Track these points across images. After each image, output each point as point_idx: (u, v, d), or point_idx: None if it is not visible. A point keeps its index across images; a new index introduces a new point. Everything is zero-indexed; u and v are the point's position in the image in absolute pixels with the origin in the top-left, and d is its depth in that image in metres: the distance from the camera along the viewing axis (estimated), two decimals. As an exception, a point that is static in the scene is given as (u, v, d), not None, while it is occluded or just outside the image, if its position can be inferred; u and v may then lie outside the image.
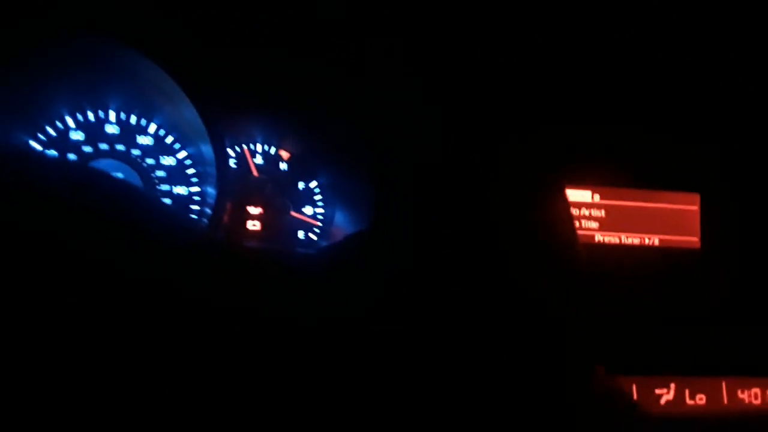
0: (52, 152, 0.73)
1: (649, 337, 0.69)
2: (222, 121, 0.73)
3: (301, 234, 0.81)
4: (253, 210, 0.80)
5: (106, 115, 0.75)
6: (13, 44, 0.66)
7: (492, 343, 0.53)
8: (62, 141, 0.73)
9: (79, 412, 0.29)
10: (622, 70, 0.71)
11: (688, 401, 0.68)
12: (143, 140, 0.76)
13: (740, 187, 0.75)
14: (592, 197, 0.74)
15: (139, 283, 0.34)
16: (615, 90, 0.72)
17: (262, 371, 0.36)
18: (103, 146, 0.75)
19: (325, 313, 0.44)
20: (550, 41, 0.68)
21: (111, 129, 0.75)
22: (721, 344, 0.70)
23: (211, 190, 0.74)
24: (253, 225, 0.79)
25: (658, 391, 0.68)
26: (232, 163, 0.79)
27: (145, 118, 0.77)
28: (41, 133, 0.72)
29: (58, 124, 0.73)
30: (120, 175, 0.74)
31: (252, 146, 0.81)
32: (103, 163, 0.74)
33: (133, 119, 0.76)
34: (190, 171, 0.77)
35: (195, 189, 0.77)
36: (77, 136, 0.74)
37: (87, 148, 0.74)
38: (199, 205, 0.78)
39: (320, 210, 0.82)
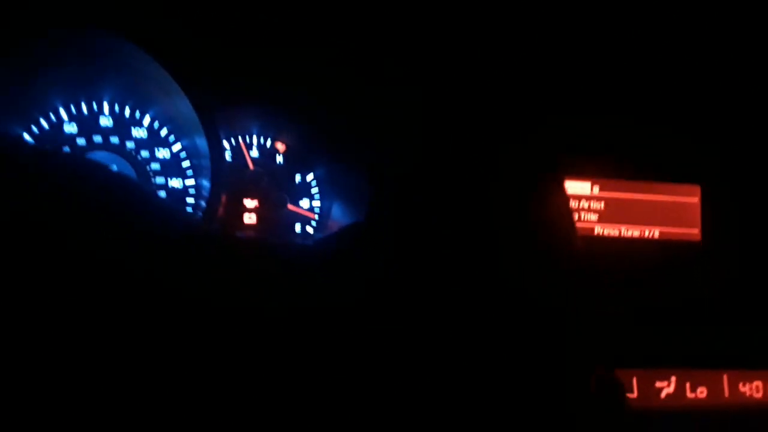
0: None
1: (649, 330, 0.69)
2: (217, 114, 0.73)
3: (297, 227, 0.81)
4: (250, 203, 0.79)
5: (100, 107, 0.74)
6: (7, 37, 0.65)
7: (488, 337, 0.53)
8: (56, 133, 0.73)
9: (70, 402, 0.28)
10: (622, 61, 0.70)
11: (689, 394, 0.68)
12: (138, 133, 0.75)
13: (741, 179, 0.74)
14: (592, 189, 0.74)
15: (133, 274, 0.33)
16: (615, 81, 0.72)
17: (256, 362, 0.36)
18: (97, 139, 0.74)
19: (320, 304, 0.43)
20: (549, 33, 0.68)
21: (105, 121, 0.74)
22: (722, 337, 0.69)
23: (206, 183, 0.73)
24: (249, 218, 0.79)
25: (658, 384, 0.67)
26: (228, 155, 0.79)
27: (140, 111, 0.76)
28: (35, 126, 0.72)
29: (52, 116, 0.72)
30: (114, 167, 0.73)
31: (248, 139, 0.80)
32: (97, 156, 0.74)
33: (127, 111, 0.75)
34: (186, 164, 0.77)
35: (190, 182, 0.77)
36: (71, 128, 0.73)
37: (81, 141, 0.73)
38: (194, 198, 0.77)
39: (317, 203, 0.82)
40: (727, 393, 0.68)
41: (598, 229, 0.74)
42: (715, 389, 0.68)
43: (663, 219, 0.75)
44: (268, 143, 0.81)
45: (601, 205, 0.74)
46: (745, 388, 0.68)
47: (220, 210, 0.73)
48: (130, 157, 0.75)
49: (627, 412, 0.52)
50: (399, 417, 0.42)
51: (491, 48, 0.66)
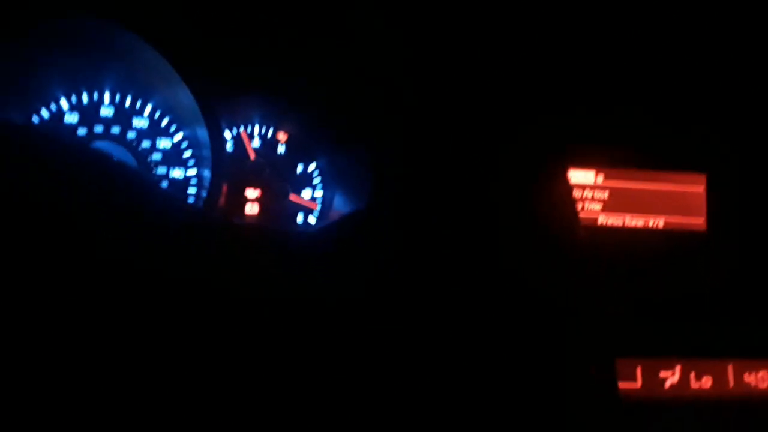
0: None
1: (654, 320, 0.68)
2: (218, 104, 0.72)
3: (300, 217, 0.80)
4: (251, 193, 0.79)
5: (101, 97, 0.74)
6: (7, 27, 0.65)
7: (489, 324, 0.52)
8: (57, 123, 0.72)
9: (71, 387, 0.28)
10: (626, 49, 0.70)
11: (694, 384, 0.67)
12: (139, 122, 0.75)
13: (747, 168, 0.74)
14: (596, 178, 0.73)
15: (134, 261, 0.33)
16: (619, 70, 0.71)
17: (259, 349, 0.35)
18: (98, 129, 0.74)
19: (322, 290, 0.43)
20: (552, 22, 0.67)
21: (106, 111, 0.74)
22: (727, 327, 0.68)
23: (208, 174, 0.73)
24: (251, 208, 0.78)
25: (663, 374, 0.67)
26: (229, 146, 0.78)
27: (141, 100, 0.75)
28: (36, 116, 0.71)
29: (53, 106, 0.72)
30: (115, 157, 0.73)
31: (249, 129, 0.80)
32: (98, 146, 0.73)
33: (128, 101, 0.75)
34: (187, 154, 0.76)
35: (192, 172, 0.76)
36: (72, 118, 0.73)
37: (82, 131, 0.73)
38: (196, 189, 0.77)
39: (319, 193, 0.81)
40: (732, 383, 0.67)
41: (603, 219, 0.73)
42: (720, 379, 0.67)
43: (668, 208, 0.74)
44: (270, 133, 0.81)
45: (605, 195, 0.73)
46: (750, 378, 0.68)
47: (222, 200, 0.73)
48: (131, 147, 0.75)
49: (621, 402, 0.52)
50: (401, 402, 0.42)
51: (495, 37, 0.65)
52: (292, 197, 0.80)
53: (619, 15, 0.68)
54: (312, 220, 0.81)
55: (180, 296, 0.34)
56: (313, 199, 0.81)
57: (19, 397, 0.27)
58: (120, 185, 0.41)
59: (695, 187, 0.75)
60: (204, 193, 0.73)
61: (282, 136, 0.81)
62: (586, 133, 0.73)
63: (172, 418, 0.31)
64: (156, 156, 0.75)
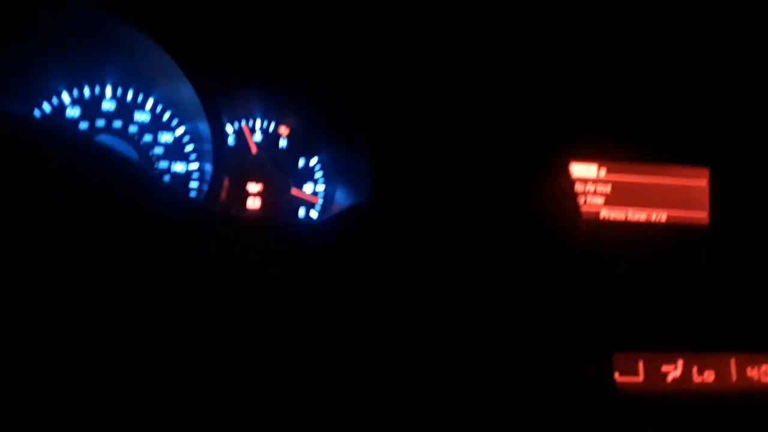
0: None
1: (656, 314, 0.68)
2: (219, 98, 0.72)
3: (301, 212, 0.80)
4: (253, 187, 0.79)
5: (103, 90, 0.74)
6: (10, 19, 0.65)
7: (490, 318, 0.52)
8: (59, 117, 0.72)
9: (72, 380, 0.28)
10: (629, 42, 0.69)
11: (696, 378, 0.67)
12: (140, 116, 0.75)
13: (750, 162, 0.73)
14: (598, 172, 0.73)
15: (136, 253, 0.33)
16: (622, 63, 0.71)
17: (261, 341, 0.35)
18: (100, 123, 0.74)
19: (324, 282, 0.43)
20: (555, 16, 0.67)
21: (108, 105, 0.74)
22: (730, 321, 0.68)
23: (209, 168, 0.73)
24: (252, 202, 0.78)
25: (665, 368, 0.67)
26: (231, 140, 0.78)
27: (143, 94, 0.75)
28: (38, 110, 0.71)
29: (55, 99, 0.72)
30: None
31: (251, 123, 0.80)
32: (100, 140, 0.73)
33: (130, 95, 0.75)
34: (189, 148, 0.76)
35: (194, 166, 0.76)
36: (74, 112, 0.73)
37: (84, 125, 0.73)
38: (198, 183, 0.77)
39: (321, 187, 0.81)
40: (734, 377, 0.67)
41: (605, 213, 0.73)
42: (722, 373, 0.67)
43: (671, 202, 0.74)
44: (272, 127, 0.80)
45: (607, 188, 0.73)
46: (753, 372, 0.67)
47: (223, 194, 0.73)
48: (133, 141, 0.74)
49: (618, 397, 0.52)
50: (403, 394, 0.42)
51: (497, 31, 0.65)
52: (294, 191, 0.80)
53: (622, 9, 0.67)
54: (314, 214, 0.81)
55: (183, 290, 0.34)
56: (314, 193, 0.81)
57: (20, 390, 0.27)
58: (122, 179, 0.41)
59: (698, 181, 0.74)
60: (206, 188, 0.73)
61: (284, 130, 0.81)
62: (589, 127, 0.73)
63: (180, 406, 0.31)
64: (158, 150, 0.75)
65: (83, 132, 0.73)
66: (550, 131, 0.63)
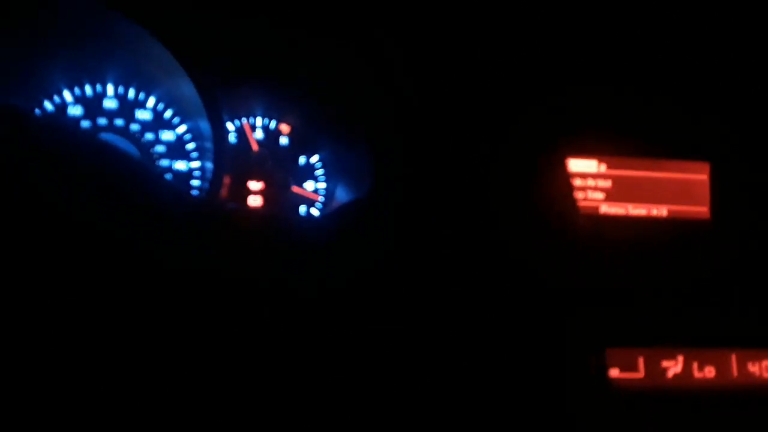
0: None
1: (656, 309, 0.68)
2: (221, 96, 0.73)
3: (302, 209, 0.81)
4: (254, 185, 0.79)
5: (104, 89, 0.75)
6: (11, 17, 0.66)
7: (488, 312, 0.52)
8: (61, 116, 0.73)
9: (77, 368, 0.28)
10: (629, 36, 0.69)
11: (697, 374, 0.66)
12: (142, 115, 0.76)
13: (751, 156, 0.73)
14: (598, 167, 0.72)
15: (138, 247, 0.33)
16: (622, 57, 0.70)
17: (263, 332, 0.36)
18: (102, 121, 0.74)
19: (325, 275, 0.43)
20: (553, 9, 0.67)
21: (109, 103, 0.75)
22: (731, 316, 0.68)
23: (211, 166, 0.73)
24: (254, 200, 0.79)
25: (665, 364, 0.66)
26: (232, 138, 0.79)
27: (144, 93, 0.76)
28: (39, 108, 0.72)
29: (56, 98, 0.73)
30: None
31: (252, 121, 0.80)
32: (102, 138, 0.74)
33: (131, 93, 0.76)
34: (190, 146, 0.77)
35: (195, 164, 0.77)
36: (76, 110, 0.74)
37: (86, 123, 0.74)
38: (199, 181, 0.77)
39: (322, 185, 0.81)
40: (735, 373, 0.67)
41: (605, 208, 0.73)
42: (723, 369, 0.67)
43: (671, 197, 0.73)
44: (273, 125, 0.81)
45: (607, 183, 0.73)
46: (754, 368, 0.67)
47: (225, 192, 0.73)
48: (135, 139, 0.75)
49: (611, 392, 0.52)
50: (402, 385, 0.42)
51: (494, 21, 0.65)
52: (295, 189, 0.80)
53: (621, 4, 0.67)
54: (315, 211, 0.81)
55: (184, 284, 0.34)
56: (315, 190, 0.81)
57: (24, 381, 0.28)
58: (124, 176, 0.41)
59: (699, 176, 0.74)
60: (208, 185, 0.73)
61: (285, 128, 0.81)
62: (589, 122, 0.72)
63: (183, 397, 0.31)
64: (159, 148, 0.76)
65: (85, 130, 0.73)
66: (548, 127, 0.63)
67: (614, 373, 0.66)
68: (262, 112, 0.80)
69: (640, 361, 0.66)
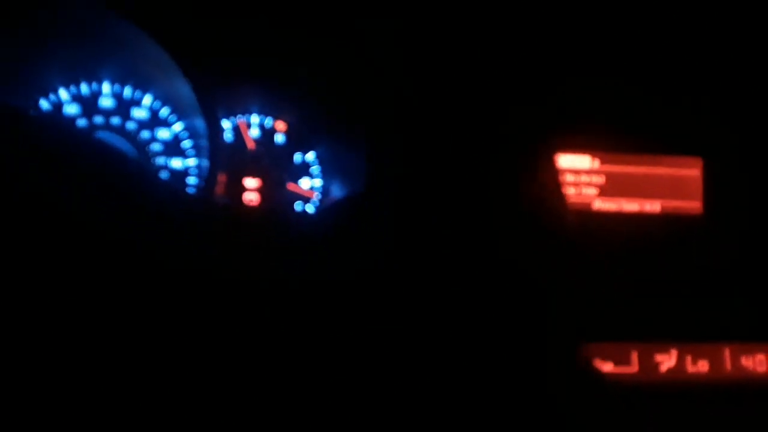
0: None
1: (650, 304, 0.68)
2: (216, 94, 0.73)
3: (298, 206, 0.81)
4: (250, 183, 0.79)
5: (101, 87, 0.75)
6: (6, 15, 0.66)
7: (479, 309, 0.53)
8: (57, 115, 0.74)
9: (73, 371, 0.29)
10: (622, 32, 0.70)
11: (690, 368, 0.67)
12: (138, 113, 0.76)
13: (743, 151, 0.73)
14: (591, 163, 0.73)
15: (135, 249, 0.34)
16: (614, 52, 0.71)
17: (258, 331, 0.36)
18: (98, 120, 0.75)
19: (322, 271, 0.44)
20: (545, 5, 0.67)
21: (106, 102, 0.75)
22: (724, 310, 0.68)
23: (207, 164, 0.74)
24: (250, 197, 0.79)
25: (659, 358, 0.67)
26: (228, 135, 0.79)
27: (140, 91, 0.76)
28: (35, 107, 0.73)
29: (52, 96, 0.73)
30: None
31: (248, 118, 0.81)
32: (99, 137, 0.75)
33: (127, 92, 0.76)
34: (186, 144, 0.77)
35: (191, 162, 0.77)
36: (72, 109, 0.74)
37: (82, 122, 0.74)
38: (196, 178, 0.78)
39: (317, 182, 0.82)
40: (729, 367, 0.67)
41: (598, 204, 0.73)
42: (716, 363, 0.67)
43: (664, 192, 0.74)
44: (268, 123, 0.81)
45: (600, 179, 0.73)
46: (747, 362, 0.67)
47: (220, 189, 0.73)
48: (131, 137, 0.76)
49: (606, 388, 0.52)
50: (395, 385, 0.42)
51: (485, 14, 0.65)
52: (291, 186, 0.81)
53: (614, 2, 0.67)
54: (310, 209, 0.81)
55: (181, 283, 0.34)
56: (311, 188, 0.82)
57: (20, 384, 0.28)
58: (118, 174, 0.42)
59: (691, 171, 0.74)
60: (203, 183, 0.74)
61: (280, 126, 0.82)
62: (582, 118, 0.73)
63: (182, 397, 0.31)
64: (156, 146, 0.76)
65: (81, 129, 0.74)
66: (539, 122, 0.64)
67: (608, 367, 0.66)
68: (258, 109, 0.81)
69: (634, 356, 0.67)
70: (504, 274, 0.56)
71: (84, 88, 0.75)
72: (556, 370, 0.52)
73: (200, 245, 0.40)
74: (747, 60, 0.71)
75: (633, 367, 0.67)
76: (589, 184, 0.73)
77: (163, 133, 0.77)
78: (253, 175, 0.80)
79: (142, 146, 0.76)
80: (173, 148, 0.77)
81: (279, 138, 0.81)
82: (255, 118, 0.81)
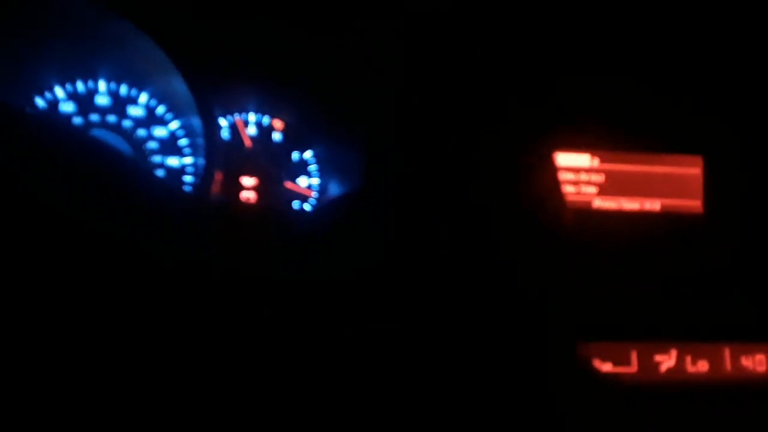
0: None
1: (650, 303, 0.68)
2: (213, 92, 0.73)
3: (296, 205, 0.80)
4: (248, 181, 0.79)
5: (96, 85, 0.75)
6: (2, 14, 0.66)
7: (477, 309, 0.52)
8: (53, 112, 0.73)
9: (73, 363, 0.28)
10: (622, 30, 0.69)
11: (690, 368, 0.66)
12: (134, 111, 0.76)
13: (744, 150, 0.73)
14: (591, 161, 0.72)
15: (130, 243, 0.33)
16: (615, 51, 0.70)
17: (256, 328, 0.36)
18: (94, 117, 0.74)
19: (319, 268, 0.43)
20: (543, 3, 0.66)
21: (102, 100, 0.75)
22: (724, 310, 0.68)
23: (203, 162, 0.73)
24: (247, 196, 0.79)
25: (658, 358, 0.66)
26: (225, 134, 0.79)
27: (137, 89, 0.76)
28: (31, 105, 0.72)
29: (48, 95, 0.73)
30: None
31: (245, 117, 0.80)
32: (94, 135, 0.74)
33: (123, 90, 0.75)
34: (183, 142, 0.77)
35: (188, 160, 0.77)
36: (68, 107, 0.74)
37: (78, 120, 0.74)
38: (192, 177, 0.77)
39: (315, 180, 0.81)
40: (729, 367, 0.67)
41: (598, 203, 0.73)
42: (716, 363, 0.67)
43: (664, 191, 0.73)
44: (266, 121, 0.81)
45: (600, 178, 0.73)
46: (747, 362, 0.67)
47: (218, 188, 0.73)
48: (127, 135, 0.75)
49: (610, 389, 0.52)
50: (394, 383, 0.42)
51: (483, 14, 0.65)
52: (288, 185, 0.80)
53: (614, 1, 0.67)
54: (308, 207, 0.81)
55: (177, 280, 0.34)
56: (309, 186, 0.81)
57: (20, 380, 0.28)
58: (114, 173, 0.41)
59: (692, 170, 0.74)
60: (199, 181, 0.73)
61: (278, 124, 0.81)
62: (582, 116, 0.72)
63: (181, 395, 0.31)
64: (152, 144, 0.76)
65: (77, 127, 0.73)
66: (537, 121, 0.63)
67: (607, 367, 0.66)
68: (256, 108, 0.80)
69: (634, 355, 0.66)
70: (502, 272, 0.55)
71: (80, 86, 0.74)
72: (555, 369, 0.52)
73: (197, 243, 0.39)
74: (747, 59, 0.70)
75: (632, 367, 0.66)
76: (588, 183, 0.72)
77: (160, 131, 0.76)
78: (251, 173, 0.79)
79: (138, 144, 0.75)
80: (169, 146, 0.77)
81: (276, 136, 0.81)
82: (252, 116, 0.80)
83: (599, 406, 0.56)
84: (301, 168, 0.81)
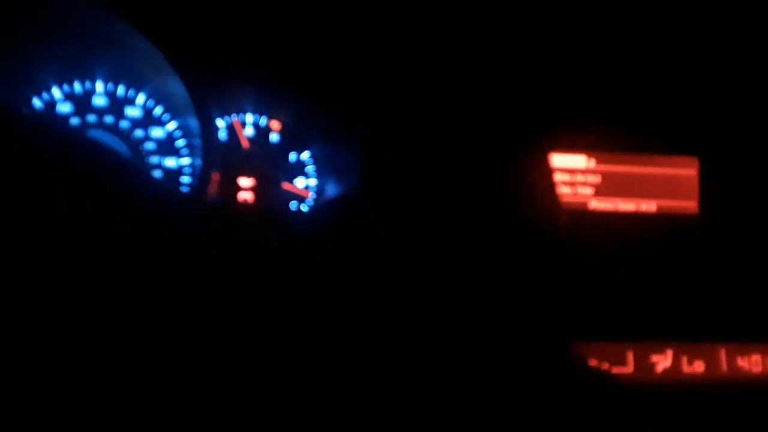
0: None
1: (646, 304, 0.68)
2: (210, 93, 0.73)
3: (293, 206, 0.81)
4: (245, 182, 0.79)
5: (94, 86, 0.75)
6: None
7: (473, 308, 0.52)
8: (50, 113, 0.73)
9: (71, 363, 0.28)
10: (618, 31, 0.69)
11: (686, 369, 0.67)
12: (132, 112, 0.76)
13: (739, 151, 0.73)
14: (587, 162, 0.73)
15: (127, 244, 0.33)
16: (611, 52, 0.71)
17: (254, 328, 0.36)
18: (92, 118, 0.74)
19: (317, 268, 0.43)
20: (541, 4, 0.67)
21: (99, 100, 0.75)
22: (720, 310, 0.68)
23: (200, 163, 0.73)
24: (244, 197, 0.79)
25: (654, 359, 0.67)
26: (223, 135, 0.79)
27: (134, 90, 0.76)
28: (28, 105, 0.72)
29: (45, 95, 0.73)
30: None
31: (242, 118, 0.80)
32: (91, 135, 0.74)
33: (121, 90, 0.75)
34: (180, 143, 0.77)
35: (185, 161, 0.77)
36: (65, 108, 0.74)
37: (75, 120, 0.74)
38: (190, 178, 0.77)
39: (312, 181, 0.81)
40: (724, 367, 0.67)
41: (594, 203, 0.73)
42: (712, 363, 0.67)
43: (660, 192, 0.74)
44: (263, 122, 0.81)
45: (596, 179, 0.73)
46: (743, 362, 0.67)
47: (215, 188, 0.73)
48: (125, 136, 0.75)
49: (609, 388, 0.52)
50: (392, 383, 0.42)
51: (480, 15, 0.65)
52: (285, 185, 0.80)
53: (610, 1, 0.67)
54: (305, 208, 0.81)
55: (174, 281, 0.34)
56: (306, 187, 0.81)
57: (19, 381, 0.28)
58: (111, 174, 0.41)
59: (687, 171, 0.74)
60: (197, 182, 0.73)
61: (275, 125, 0.81)
62: (578, 117, 0.73)
63: (180, 395, 0.31)
64: (149, 145, 0.76)
65: (74, 127, 0.73)
66: (533, 122, 0.63)
67: (603, 367, 0.66)
68: (253, 108, 0.80)
69: (630, 356, 0.67)
70: (497, 272, 0.55)
71: (77, 87, 0.74)
72: (551, 369, 0.52)
73: (194, 244, 0.39)
74: (743, 60, 0.71)
75: (629, 368, 0.67)
76: (584, 184, 0.73)
77: (157, 132, 0.76)
78: (248, 174, 0.79)
79: (136, 145, 0.75)
80: (167, 147, 0.77)
81: (274, 137, 0.81)
82: (250, 117, 0.80)
83: (598, 406, 0.56)
84: (299, 169, 0.81)
